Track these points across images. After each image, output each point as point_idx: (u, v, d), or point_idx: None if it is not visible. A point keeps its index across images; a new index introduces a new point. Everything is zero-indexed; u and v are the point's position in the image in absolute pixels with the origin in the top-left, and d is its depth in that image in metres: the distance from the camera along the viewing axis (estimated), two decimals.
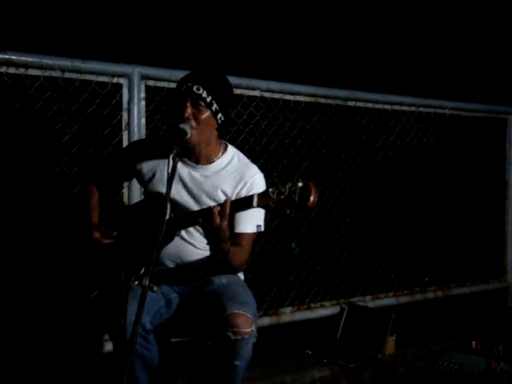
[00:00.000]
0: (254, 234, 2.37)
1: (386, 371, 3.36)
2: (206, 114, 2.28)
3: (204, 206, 2.31)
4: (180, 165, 2.31)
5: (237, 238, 2.32)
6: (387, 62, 7.02)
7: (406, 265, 4.24)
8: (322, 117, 3.65)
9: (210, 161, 2.38)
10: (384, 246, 4.21)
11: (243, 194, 2.33)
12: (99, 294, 2.68)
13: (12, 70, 2.75)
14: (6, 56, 2.71)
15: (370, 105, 3.96)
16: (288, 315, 3.68)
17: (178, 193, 2.33)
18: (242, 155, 2.46)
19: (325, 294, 3.85)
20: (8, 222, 3.03)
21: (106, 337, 2.98)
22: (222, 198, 2.31)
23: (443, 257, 4.45)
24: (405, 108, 4.15)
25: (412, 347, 3.62)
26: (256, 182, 2.37)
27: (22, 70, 2.77)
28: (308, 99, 3.67)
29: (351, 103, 3.88)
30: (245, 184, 2.35)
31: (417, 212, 4.33)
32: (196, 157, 2.37)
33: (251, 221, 2.33)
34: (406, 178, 4.25)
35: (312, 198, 1.93)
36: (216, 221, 2.09)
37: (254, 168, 2.43)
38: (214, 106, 2.28)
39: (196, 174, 2.37)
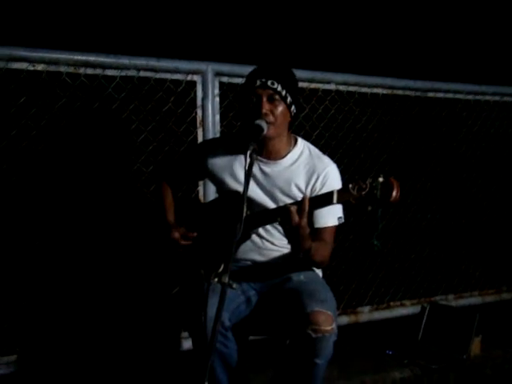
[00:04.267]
0: (336, 226, 2.32)
1: (472, 373, 3.23)
2: (282, 107, 2.25)
3: (279, 203, 2.28)
4: None
5: (319, 232, 2.28)
6: (466, 50, 6.78)
7: (491, 262, 4.06)
8: None
9: (281, 155, 2.35)
10: (468, 243, 4.04)
11: (318, 187, 2.29)
12: (179, 291, 2.69)
13: (90, 71, 2.81)
14: (84, 57, 2.78)
15: (450, 95, 3.81)
16: (367, 314, 3.60)
17: (251, 189, 2.28)
18: (312, 147, 2.42)
19: (405, 293, 3.74)
20: (87, 219, 3.10)
21: (185, 334, 3.00)
22: (296, 193, 2.29)
23: None
24: (488, 98, 3.97)
25: (500, 349, 3.47)
26: (330, 174, 2.32)
27: (99, 71, 2.83)
28: (385, 91, 3.57)
29: (431, 94, 3.74)
30: (318, 177, 2.31)
31: (503, 206, 4.13)
32: (267, 152, 2.33)
33: (332, 214, 2.27)
34: (490, 170, 4.06)
35: (394, 194, 1.87)
36: (295, 219, 2.04)
37: (326, 159, 2.37)
38: (289, 99, 2.26)
39: (268, 170, 2.34)
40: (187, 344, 2.99)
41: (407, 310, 3.72)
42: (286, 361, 2.24)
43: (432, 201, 3.90)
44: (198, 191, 3.07)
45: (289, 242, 2.23)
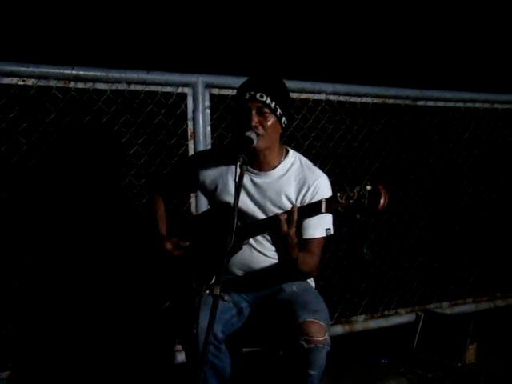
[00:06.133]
0: (324, 238, 2.32)
1: (468, 381, 3.22)
2: (272, 120, 2.26)
3: (269, 213, 2.28)
4: None
5: (306, 243, 2.28)
6: (457, 58, 6.81)
7: (485, 269, 4.05)
8: None
9: (272, 166, 2.35)
10: (461, 250, 4.03)
11: (308, 198, 2.29)
12: (172, 304, 2.69)
13: (80, 85, 2.82)
14: (74, 71, 2.78)
15: (440, 103, 3.81)
16: (361, 323, 3.58)
17: (242, 201, 2.27)
18: (304, 159, 2.42)
19: (399, 301, 3.73)
20: (79, 232, 3.09)
21: (178, 347, 2.98)
22: (287, 204, 2.29)
23: None
24: (478, 105, 3.97)
25: (494, 356, 3.45)
26: (320, 185, 2.32)
27: (89, 85, 2.83)
28: (376, 100, 3.58)
29: (421, 103, 3.74)
30: (308, 188, 2.31)
31: (495, 213, 4.13)
32: (258, 164, 2.34)
33: (320, 225, 2.28)
34: (482, 178, 4.06)
35: (382, 201, 1.89)
36: (283, 228, 2.07)
37: (318, 171, 2.38)
38: (279, 111, 2.27)
39: (259, 181, 2.34)
40: (181, 357, 2.97)
41: (402, 318, 3.70)
42: (280, 372, 2.24)
43: (424, 208, 3.89)
44: (190, 203, 3.07)
45: (277, 251, 2.24)
